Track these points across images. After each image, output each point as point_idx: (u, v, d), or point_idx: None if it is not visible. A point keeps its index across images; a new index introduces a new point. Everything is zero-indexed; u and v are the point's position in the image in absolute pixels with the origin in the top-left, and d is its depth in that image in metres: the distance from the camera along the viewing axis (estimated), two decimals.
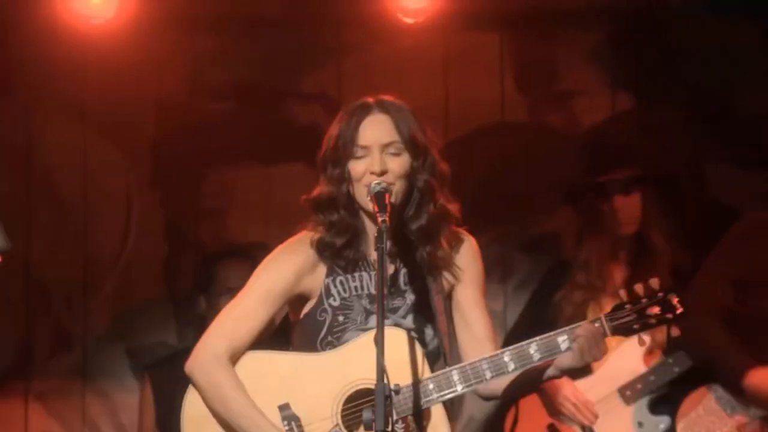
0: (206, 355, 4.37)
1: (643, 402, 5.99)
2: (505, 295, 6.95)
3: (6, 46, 6.86)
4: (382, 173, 4.25)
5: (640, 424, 6.00)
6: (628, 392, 5.97)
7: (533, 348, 4.27)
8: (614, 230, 6.12)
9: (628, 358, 5.87)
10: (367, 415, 3.95)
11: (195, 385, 4.37)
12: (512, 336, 6.40)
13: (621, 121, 6.72)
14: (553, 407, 6.05)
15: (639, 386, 5.95)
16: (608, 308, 5.84)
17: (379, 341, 3.93)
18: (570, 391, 5.99)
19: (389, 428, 3.96)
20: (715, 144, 6.75)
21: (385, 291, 4.30)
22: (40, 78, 6.88)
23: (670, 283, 5.43)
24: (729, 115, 6.84)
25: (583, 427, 6.00)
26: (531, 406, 6.15)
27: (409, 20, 6.70)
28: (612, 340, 5.20)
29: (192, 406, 4.40)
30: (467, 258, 4.51)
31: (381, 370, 3.85)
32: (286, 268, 4.43)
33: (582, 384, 5.95)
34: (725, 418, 5.65)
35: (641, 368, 5.92)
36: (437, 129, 6.49)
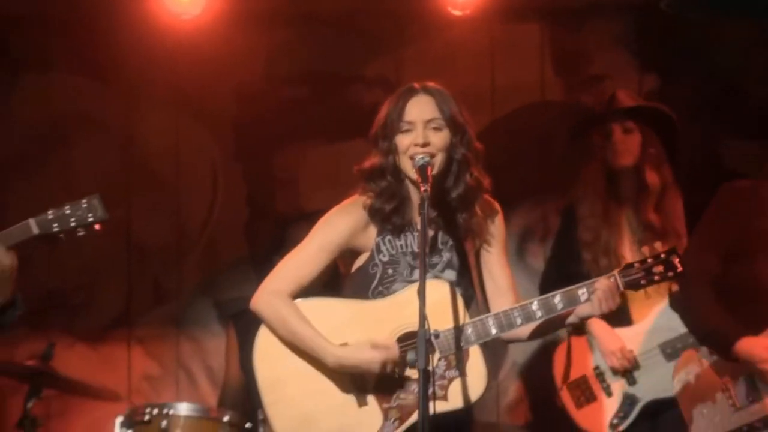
0: (270, 292, 4.59)
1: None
2: (544, 254, 6.98)
3: (108, 42, 7.02)
4: (425, 145, 4.45)
5: (674, 380, 5.77)
6: (668, 350, 5.93)
7: (557, 299, 4.50)
8: (610, 162, 6.05)
9: (671, 317, 5.75)
10: (410, 356, 4.31)
11: (261, 318, 4.62)
12: (544, 281, 6.44)
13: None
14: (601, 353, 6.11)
15: (679, 345, 5.87)
16: (617, 247, 5.99)
17: (421, 293, 4.15)
18: (613, 340, 6.02)
19: (430, 367, 4.24)
20: (730, 120, 6.75)
21: (427, 250, 4.53)
22: (138, 69, 7.10)
23: (652, 220, 6.00)
24: (744, 92, 6.88)
25: (625, 374, 6.03)
26: (580, 350, 6.22)
27: (458, 12, 6.85)
28: (657, 300, 5.87)
29: (261, 340, 4.61)
30: (497, 224, 4.73)
31: (422, 317, 4.10)
32: (343, 224, 4.65)
33: (626, 333, 6.00)
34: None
35: (682, 328, 5.78)
36: (485, 108, 7.15)
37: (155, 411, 5.62)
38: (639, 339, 5.98)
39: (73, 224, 4.66)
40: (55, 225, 4.64)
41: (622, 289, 4.51)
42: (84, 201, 4.69)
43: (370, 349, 4.47)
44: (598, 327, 5.98)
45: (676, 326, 5.75)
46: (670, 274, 4.56)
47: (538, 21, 7.20)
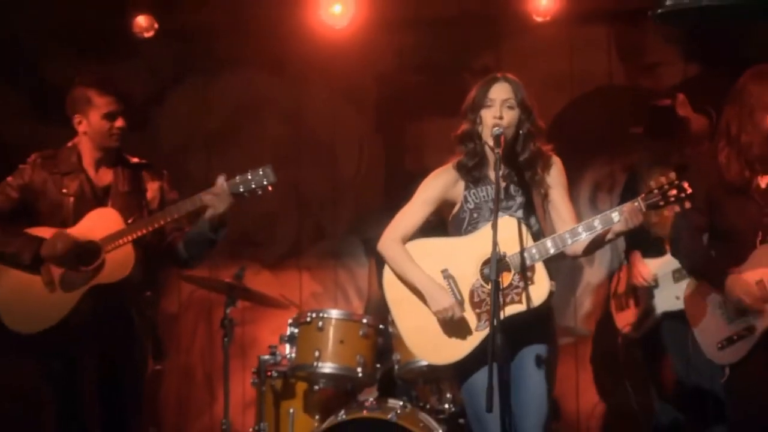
0: (387, 239, 4.97)
1: (683, 283, 5.84)
2: (611, 202, 7.08)
3: (282, 45, 7.41)
4: (501, 118, 4.78)
5: (677, 298, 5.93)
6: (677, 274, 6.15)
7: (597, 221, 4.72)
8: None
9: None
10: (486, 270, 4.65)
11: (384, 258, 4.98)
12: None
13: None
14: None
15: (684, 272, 5.95)
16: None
17: (494, 226, 4.54)
18: (641, 267, 6.30)
19: (500, 278, 4.54)
20: None
21: (502, 196, 4.82)
22: (304, 65, 7.52)
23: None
24: None
25: (648, 290, 6.30)
26: (624, 274, 6.50)
27: (540, 19, 7.10)
28: None
29: (387, 272, 4.96)
30: (555, 173, 4.98)
31: (495, 244, 4.49)
32: (439, 183, 4.98)
33: (656, 262, 6.27)
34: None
35: None
36: (565, 91, 7.37)
37: (314, 314, 6.04)
38: (662, 265, 6.22)
39: (252, 186, 5.12)
40: (241, 187, 5.13)
41: (644, 210, 4.66)
42: (260, 169, 5.14)
43: (445, 294, 4.78)
44: (635, 258, 6.34)
45: None
46: (682, 195, 4.65)
47: (604, 22, 7.37)
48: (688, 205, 4.73)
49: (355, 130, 7.72)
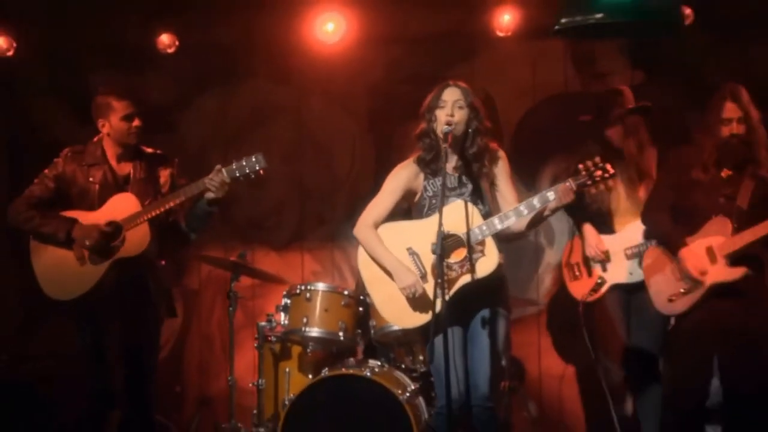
0: (361, 225, 5.21)
1: (636, 261, 6.13)
2: None
3: (286, 59, 7.52)
4: (452, 116, 5.02)
5: (630, 273, 6.17)
6: (629, 252, 6.19)
7: (535, 200, 4.93)
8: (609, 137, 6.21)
9: (634, 231, 6.08)
10: (432, 247, 4.80)
11: (358, 242, 5.22)
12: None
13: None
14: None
15: (636, 250, 6.14)
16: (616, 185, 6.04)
17: (440, 210, 4.77)
18: (595, 240, 6.27)
19: (453, 253, 4.86)
20: (691, 101, 6.62)
21: (452, 184, 5.10)
22: (305, 73, 7.58)
23: (641, 167, 6.15)
24: (702, 80, 6.85)
25: (600, 263, 6.28)
26: (577, 246, 6.46)
27: (502, 34, 7.23)
28: (629, 219, 6.14)
29: (361, 253, 5.23)
30: (501, 164, 5.18)
31: (440, 225, 4.73)
32: (401, 176, 5.24)
33: (607, 238, 6.25)
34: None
35: (640, 239, 6.09)
36: (528, 97, 7.41)
37: (303, 287, 6.29)
38: (613, 242, 6.24)
39: (246, 171, 5.41)
40: (237, 172, 5.43)
41: (575, 189, 4.84)
42: (253, 156, 5.43)
43: (410, 274, 4.99)
44: (588, 231, 6.32)
45: (637, 238, 6.12)
46: (606, 175, 4.81)
47: (559, 38, 7.04)
48: (611, 184, 4.99)
49: (349, 132, 7.82)
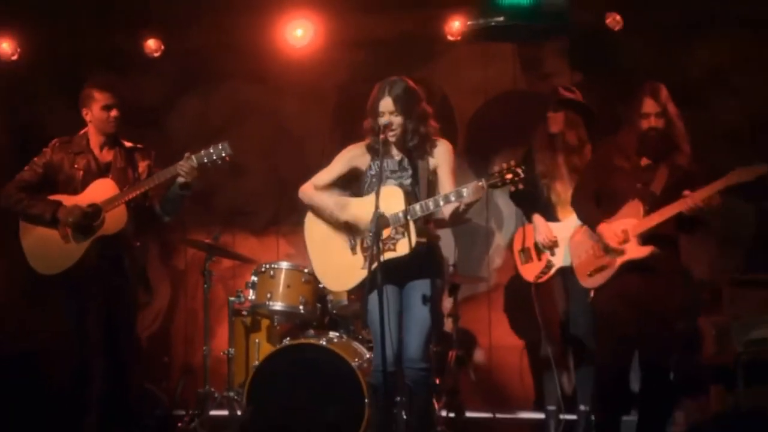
0: (305, 186, 5.35)
1: None
2: None
3: (261, 61, 7.67)
4: (390, 123, 5.13)
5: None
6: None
7: (452, 194, 5.00)
8: (551, 129, 6.35)
9: (576, 219, 5.96)
10: (370, 226, 4.89)
11: (301, 200, 5.33)
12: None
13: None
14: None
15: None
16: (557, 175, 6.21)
17: (377, 194, 4.89)
18: (545, 228, 6.40)
19: (379, 231, 4.88)
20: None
21: (393, 167, 5.18)
22: (279, 74, 7.72)
23: (574, 161, 6.28)
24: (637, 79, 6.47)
25: (549, 249, 6.41)
26: (529, 233, 6.54)
27: (452, 38, 7.38)
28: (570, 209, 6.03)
29: (306, 219, 5.37)
30: (441, 153, 5.24)
31: (377, 206, 4.87)
32: (349, 153, 5.37)
33: (554, 225, 6.37)
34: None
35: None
36: (481, 93, 7.51)
37: (268, 266, 6.52)
38: (560, 229, 6.34)
39: (213, 158, 5.55)
40: (205, 158, 5.57)
41: (486, 187, 4.90)
42: (219, 144, 5.56)
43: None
44: (538, 220, 6.44)
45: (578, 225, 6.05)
46: (516, 178, 4.86)
47: (510, 40, 7.44)
48: (521, 186, 4.94)
49: (319, 125, 7.91)
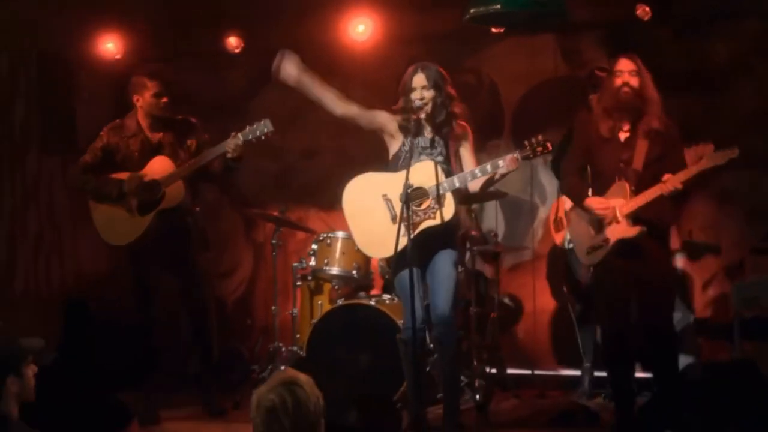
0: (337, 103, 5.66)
1: None
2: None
3: (327, 53, 7.61)
4: (422, 98, 5.30)
5: None
6: None
7: (488, 165, 5.18)
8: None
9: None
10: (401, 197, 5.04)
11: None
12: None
13: None
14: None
15: None
16: None
17: (407, 169, 5.02)
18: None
19: (409, 202, 5.00)
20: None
21: (425, 144, 5.34)
22: (345, 67, 7.66)
23: None
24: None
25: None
26: (561, 204, 6.64)
27: (495, 30, 7.17)
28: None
29: (345, 192, 5.54)
30: (466, 138, 5.44)
31: (407, 179, 5.00)
32: (389, 117, 5.50)
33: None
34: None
35: None
36: (522, 83, 7.60)
37: (326, 235, 6.74)
38: None
39: (257, 134, 5.89)
40: (249, 135, 5.91)
41: (520, 160, 5.14)
42: (262, 121, 5.91)
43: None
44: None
45: None
46: (546, 151, 5.18)
47: (549, 33, 7.61)
48: (549, 158, 5.25)
49: None
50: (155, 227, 6.14)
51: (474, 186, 5.37)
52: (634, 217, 5.38)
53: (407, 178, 5.08)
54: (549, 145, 5.16)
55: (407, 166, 5.12)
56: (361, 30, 7.59)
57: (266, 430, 2.97)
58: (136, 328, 6.36)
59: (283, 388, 2.99)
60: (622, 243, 5.42)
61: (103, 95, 7.96)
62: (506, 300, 7.51)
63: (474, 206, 7.35)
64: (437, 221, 5.23)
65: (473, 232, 6.85)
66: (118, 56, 7.97)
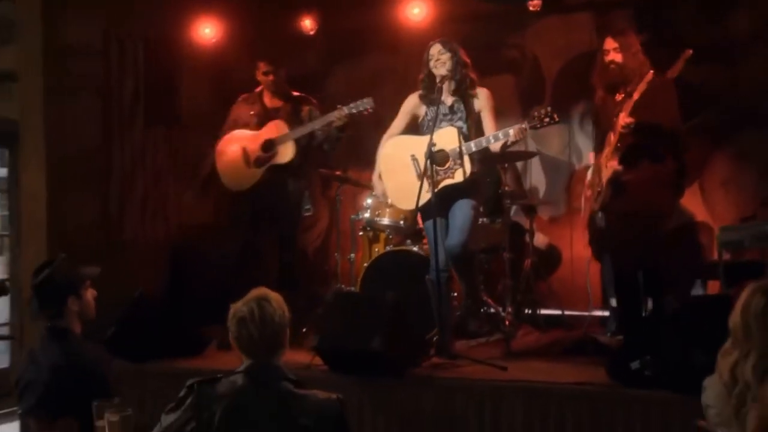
0: (384, 138, 5.82)
1: None
2: (589, 128, 7.32)
3: (391, 32, 7.77)
4: (440, 61, 5.51)
5: None
6: None
7: (500, 133, 5.33)
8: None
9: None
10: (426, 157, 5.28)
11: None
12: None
13: None
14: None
15: None
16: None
17: (431, 133, 5.30)
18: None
19: (433, 162, 5.25)
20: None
21: (445, 112, 5.51)
22: (406, 44, 7.53)
23: None
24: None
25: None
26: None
27: (532, 8, 7.32)
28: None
29: (379, 154, 5.81)
30: (483, 98, 5.53)
31: (431, 141, 5.28)
32: (408, 105, 5.74)
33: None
34: None
35: None
36: (562, 57, 7.70)
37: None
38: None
39: (360, 109, 6.20)
40: (353, 109, 6.17)
41: (527, 129, 5.25)
42: (364, 99, 6.24)
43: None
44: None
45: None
46: (553, 122, 5.28)
47: (586, 11, 7.72)
48: (556, 118, 5.28)
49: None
50: (266, 181, 6.48)
51: (494, 147, 5.48)
52: (619, 159, 5.50)
53: (431, 140, 5.34)
54: (555, 116, 5.24)
55: (431, 130, 5.37)
56: (416, 12, 7.69)
57: (237, 335, 3.30)
58: (229, 270, 6.63)
59: (254, 302, 3.31)
60: (609, 183, 5.55)
61: (201, 74, 8.27)
62: (543, 248, 7.60)
63: (519, 167, 7.58)
64: (456, 180, 5.41)
65: (507, 187, 6.96)
66: (213, 40, 8.22)
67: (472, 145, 5.37)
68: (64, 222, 6.81)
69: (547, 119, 5.25)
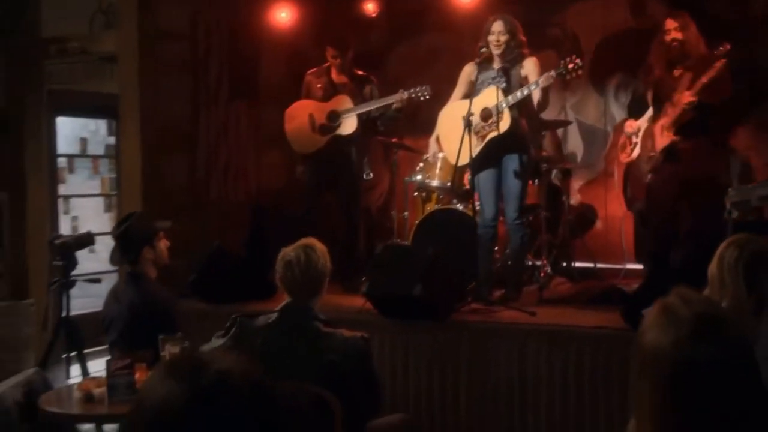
0: (448, 104, 5.85)
1: None
2: (624, 96, 7.44)
3: (442, 14, 7.65)
4: (498, 40, 5.54)
5: None
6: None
7: (532, 85, 5.38)
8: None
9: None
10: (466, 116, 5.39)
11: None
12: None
13: None
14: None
15: None
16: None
17: (471, 97, 5.44)
18: (630, 123, 6.18)
19: (473, 115, 5.31)
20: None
21: (495, 75, 5.56)
22: (457, 25, 7.48)
23: None
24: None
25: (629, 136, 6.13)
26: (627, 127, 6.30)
27: None
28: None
29: (440, 116, 5.98)
30: (530, 65, 5.56)
31: (471, 99, 5.42)
32: (465, 73, 5.80)
33: (641, 119, 6.07)
34: None
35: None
36: (598, 34, 7.59)
37: (429, 155, 6.70)
38: (643, 120, 6.07)
39: (418, 95, 6.29)
40: (412, 94, 6.18)
41: (554, 76, 5.27)
42: (424, 86, 6.30)
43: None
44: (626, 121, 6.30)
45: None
46: (577, 67, 5.26)
47: None
48: (580, 73, 5.31)
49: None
50: (329, 147, 6.58)
51: (535, 96, 5.52)
52: (676, 130, 5.50)
53: (471, 102, 5.48)
54: (579, 62, 5.25)
55: (474, 94, 5.61)
56: None
57: (282, 275, 3.41)
58: (301, 227, 6.81)
59: (301, 249, 3.44)
60: (664, 150, 5.58)
61: (278, 54, 8.44)
62: (578, 208, 7.57)
63: (559, 134, 7.55)
64: (501, 131, 5.48)
65: (545, 152, 7.05)
66: (288, 23, 8.36)
67: (509, 99, 5.43)
68: (157, 184, 7.13)
69: (572, 66, 5.25)
